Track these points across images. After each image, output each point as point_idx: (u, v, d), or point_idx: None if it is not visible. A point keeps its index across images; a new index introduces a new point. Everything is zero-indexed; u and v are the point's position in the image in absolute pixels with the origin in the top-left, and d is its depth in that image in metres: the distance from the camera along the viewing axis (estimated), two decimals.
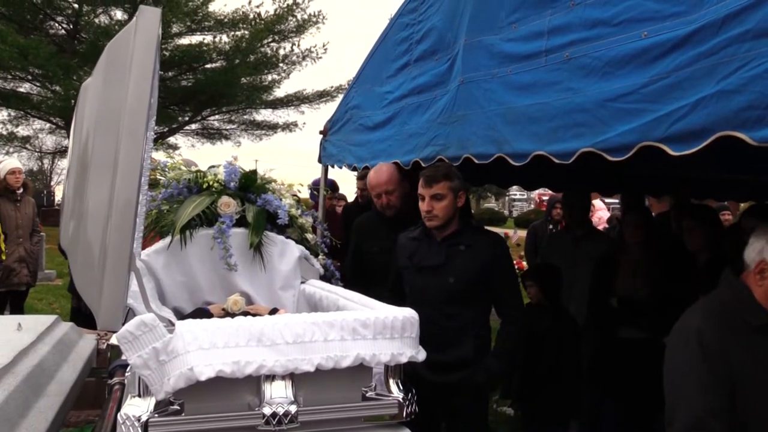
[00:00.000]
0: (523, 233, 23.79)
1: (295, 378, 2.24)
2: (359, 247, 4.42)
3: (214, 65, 23.90)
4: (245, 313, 3.06)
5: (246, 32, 23.44)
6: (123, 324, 2.09)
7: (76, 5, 21.93)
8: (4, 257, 6.26)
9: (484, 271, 3.36)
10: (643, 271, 4.53)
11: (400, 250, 3.60)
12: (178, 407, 2.11)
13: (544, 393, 4.23)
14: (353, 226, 4.58)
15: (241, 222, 3.72)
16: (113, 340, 2.25)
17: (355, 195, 6.68)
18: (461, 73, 3.38)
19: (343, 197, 8.64)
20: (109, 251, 2.03)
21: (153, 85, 2.12)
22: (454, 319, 3.37)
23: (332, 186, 6.79)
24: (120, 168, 2.02)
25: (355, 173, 5.77)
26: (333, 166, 5.44)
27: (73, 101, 18.32)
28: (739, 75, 1.82)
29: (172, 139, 26.96)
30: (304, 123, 27.20)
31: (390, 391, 2.42)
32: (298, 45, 24.73)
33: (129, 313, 2.63)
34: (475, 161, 3.21)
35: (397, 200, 4.18)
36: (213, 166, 4.03)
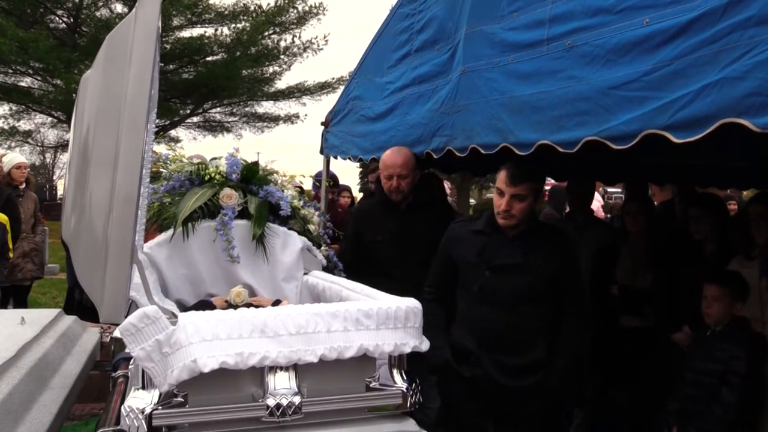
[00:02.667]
0: None
1: (298, 369, 2.24)
2: (360, 235, 4.28)
3: (215, 58, 23.84)
4: (248, 305, 3.06)
5: (247, 24, 23.36)
6: (126, 316, 2.09)
7: None
8: (11, 255, 6.27)
9: (557, 269, 3.22)
10: (645, 260, 4.53)
11: (461, 244, 3.35)
12: (182, 399, 2.11)
13: None
14: (353, 213, 4.51)
15: (243, 214, 3.72)
16: (116, 333, 2.25)
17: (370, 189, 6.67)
18: (462, 62, 3.37)
19: (347, 188, 8.64)
20: (111, 244, 2.03)
21: (153, 76, 2.11)
22: (528, 320, 3.19)
23: (332, 179, 6.79)
24: (121, 160, 2.02)
25: (358, 164, 5.76)
26: (336, 158, 5.43)
27: (74, 95, 18.28)
28: (743, 62, 1.82)
29: (173, 132, 26.96)
30: (306, 115, 27.14)
31: (394, 382, 2.41)
32: (299, 37, 24.67)
33: (132, 306, 2.62)
34: (482, 151, 3.20)
35: (407, 186, 4.04)
36: (215, 158, 4.02)
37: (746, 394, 3.36)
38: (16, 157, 7.38)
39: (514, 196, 3.11)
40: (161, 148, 4.31)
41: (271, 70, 25.53)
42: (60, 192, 36.63)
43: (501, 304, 3.15)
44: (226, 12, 23.37)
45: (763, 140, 2.13)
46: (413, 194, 4.12)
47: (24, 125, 25.68)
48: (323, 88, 25.77)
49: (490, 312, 3.17)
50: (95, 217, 2.17)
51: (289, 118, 27.19)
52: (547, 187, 8.27)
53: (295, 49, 24.84)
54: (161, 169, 3.91)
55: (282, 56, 24.92)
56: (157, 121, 2.83)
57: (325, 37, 24.91)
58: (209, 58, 23.87)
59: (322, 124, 5.63)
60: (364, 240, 4.23)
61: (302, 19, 24.31)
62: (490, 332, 3.19)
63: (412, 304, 2.42)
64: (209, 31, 23.51)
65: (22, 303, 7.15)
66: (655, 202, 6.35)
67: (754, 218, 3.66)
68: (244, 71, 23.90)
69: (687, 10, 2.04)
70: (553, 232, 3.47)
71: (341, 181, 8.22)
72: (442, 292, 3.44)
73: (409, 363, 2.50)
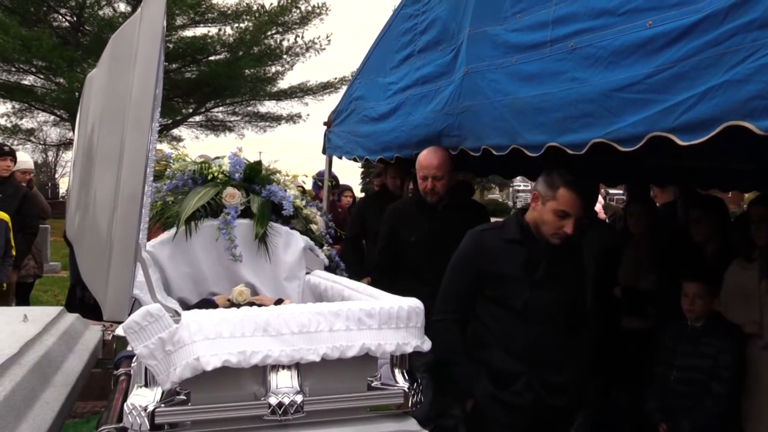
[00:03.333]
0: None
1: (300, 368, 2.25)
2: (396, 235, 4.11)
3: (217, 57, 23.85)
4: (250, 304, 3.06)
5: (250, 24, 23.38)
6: (129, 314, 2.10)
7: None
8: (14, 252, 6.30)
9: (582, 277, 3.16)
10: (647, 262, 4.54)
11: (495, 255, 3.05)
12: (185, 397, 2.12)
13: None
14: (388, 212, 4.23)
15: (246, 213, 3.72)
16: (119, 331, 2.26)
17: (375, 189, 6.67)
18: (466, 63, 3.38)
19: (349, 188, 8.65)
20: (115, 242, 2.04)
21: (158, 76, 2.12)
22: (571, 335, 3.07)
23: (333, 179, 6.80)
24: (125, 159, 2.02)
25: (360, 164, 5.77)
26: (341, 158, 5.44)
27: (77, 93, 18.32)
28: (746, 65, 1.83)
29: (176, 131, 27.00)
30: (308, 114, 27.16)
31: (396, 381, 2.42)
32: (302, 36, 24.68)
33: (135, 304, 2.63)
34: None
35: (442, 188, 3.88)
36: (218, 158, 4.03)
37: (735, 384, 3.49)
38: (26, 162, 7.45)
39: (578, 220, 2.95)
40: (164, 147, 4.31)
41: (273, 69, 25.55)
42: (62, 190, 36.68)
43: (546, 320, 2.98)
44: (229, 11, 23.39)
45: (765, 143, 2.14)
46: (450, 196, 3.99)
47: (26, 123, 25.73)
48: (325, 88, 25.78)
49: (536, 329, 2.97)
50: (99, 216, 2.18)
51: (292, 118, 27.21)
52: None
53: (298, 49, 24.86)
54: (167, 168, 3.92)
55: (284, 56, 24.93)
56: (160, 120, 2.84)
57: (327, 37, 24.94)
58: (212, 58, 23.87)
59: (325, 124, 5.64)
60: (399, 241, 4.09)
61: (305, 19, 24.31)
62: (538, 351, 2.98)
63: (414, 303, 2.42)
64: (212, 30, 23.53)
65: (24, 301, 7.17)
66: (657, 204, 6.36)
67: (754, 220, 3.67)
68: (246, 71, 23.92)
69: (690, 12, 2.05)
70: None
71: (342, 182, 8.24)
72: (463, 312, 3.14)
73: (410, 362, 2.51)
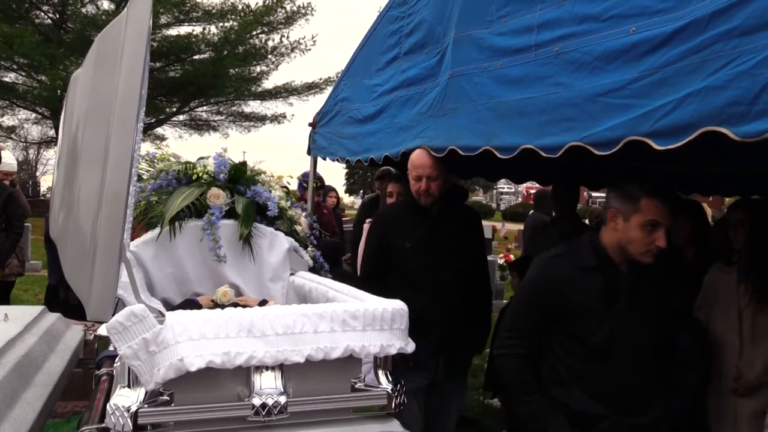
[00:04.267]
0: (510, 226, 23.93)
1: (284, 369, 2.25)
2: (386, 240, 3.86)
3: (202, 56, 23.82)
4: (234, 305, 3.06)
5: (235, 23, 23.38)
6: (113, 315, 2.10)
7: None
8: None
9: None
10: None
11: (572, 287, 2.71)
12: (168, 398, 2.12)
13: None
14: (377, 217, 4.07)
15: (230, 213, 3.72)
16: (101, 331, 2.25)
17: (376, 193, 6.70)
18: (451, 66, 3.39)
19: (333, 189, 8.67)
20: (99, 242, 2.03)
21: (144, 75, 2.12)
22: (658, 370, 2.74)
23: (318, 180, 6.81)
24: (110, 159, 2.02)
25: (344, 165, 5.78)
26: (324, 159, 5.45)
27: (59, 91, 18.24)
28: (726, 71, 1.85)
29: (159, 130, 26.93)
30: (293, 115, 27.20)
31: (379, 383, 2.43)
32: (287, 37, 24.74)
33: (118, 304, 2.63)
34: (461, 153, 3.23)
35: (437, 190, 3.66)
36: (202, 158, 4.02)
37: (705, 379, 3.46)
38: (10, 164, 7.42)
39: (668, 229, 2.65)
40: (147, 146, 4.29)
41: (258, 69, 25.57)
42: (44, 188, 36.37)
43: (633, 355, 2.67)
44: (214, 11, 23.38)
45: (744, 148, 2.17)
46: (444, 199, 3.78)
47: (8, 121, 25.60)
48: (311, 88, 25.83)
49: (620, 367, 2.66)
50: (84, 215, 2.17)
51: (276, 118, 27.24)
52: (533, 191, 8.33)
53: (283, 49, 24.92)
54: (148, 169, 3.90)
55: (269, 56, 24.95)
56: (144, 118, 2.82)
57: (313, 37, 25.00)
58: (196, 57, 23.85)
59: (310, 125, 5.64)
60: (391, 246, 3.82)
61: (290, 19, 24.36)
62: (623, 392, 2.66)
63: (398, 305, 2.43)
64: (197, 29, 23.54)
65: (4, 300, 7.12)
66: None
67: (733, 224, 3.71)
68: (231, 70, 23.91)
69: (673, 19, 2.08)
70: None
71: (327, 182, 8.26)
72: (531, 347, 2.82)
73: (394, 365, 2.52)
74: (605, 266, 2.70)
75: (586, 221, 7.34)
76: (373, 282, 3.59)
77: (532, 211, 8.22)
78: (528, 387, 2.79)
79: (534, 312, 2.82)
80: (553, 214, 6.22)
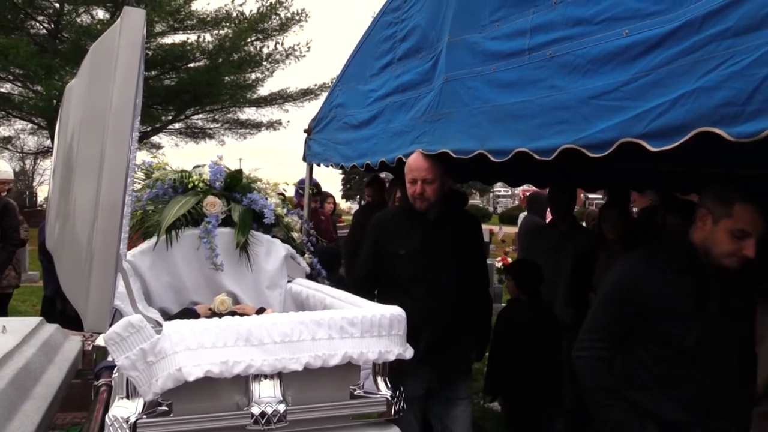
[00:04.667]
0: (507, 229, 23.95)
1: (283, 377, 2.25)
2: (381, 247, 3.72)
3: (197, 64, 23.84)
4: (232, 313, 3.07)
5: (229, 31, 23.40)
6: (110, 325, 2.09)
7: (57, 5, 21.82)
8: None
9: None
10: None
11: (657, 286, 2.61)
12: (167, 408, 2.11)
13: (527, 388, 4.26)
14: (373, 222, 3.90)
15: (227, 222, 3.72)
16: (99, 342, 2.25)
17: (367, 200, 6.70)
18: (445, 71, 3.39)
19: (330, 195, 8.68)
20: (95, 252, 2.03)
21: (138, 85, 2.12)
22: (742, 375, 2.65)
23: (315, 186, 6.81)
24: (106, 169, 2.02)
25: (340, 171, 5.78)
26: (319, 165, 5.45)
27: (55, 101, 18.23)
28: (719, 72, 1.85)
29: (155, 139, 26.92)
30: (288, 121, 27.23)
31: (378, 389, 2.43)
32: (282, 43, 24.76)
33: (116, 315, 2.62)
34: (453, 156, 3.23)
35: (433, 194, 3.53)
36: (198, 166, 4.02)
37: None
38: (7, 172, 7.40)
39: (759, 239, 2.53)
40: (143, 155, 4.28)
41: (253, 76, 25.61)
42: (40, 199, 36.33)
43: (722, 361, 2.57)
44: (209, 18, 23.41)
45: (739, 148, 2.17)
46: (442, 204, 3.65)
47: (4, 131, 25.56)
48: (305, 94, 25.86)
49: (709, 373, 2.56)
50: (79, 226, 2.17)
51: (272, 125, 27.25)
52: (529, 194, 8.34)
53: (278, 56, 24.94)
54: (144, 178, 3.90)
55: (264, 63, 24.98)
56: (140, 127, 2.82)
57: (307, 44, 25.07)
58: (191, 65, 23.87)
59: (305, 131, 5.64)
60: (385, 253, 3.69)
61: (285, 26, 24.39)
62: (711, 399, 2.57)
63: (396, 311, 2.43)
64: (191, 37, 23.56)
65: (2, 311, 7.10)
66: (636, 209, 6.41)
67: None
68: (226, 77, 23.93)
69: (666, 21, 2.08)
70: None
71: (324, 188, 8.26)
72: (613, 349, 2.73)
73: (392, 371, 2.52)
74: (695, 267, 2.60)
75: (583, 223, 7.33)
76: (365, 286, 3.61)
77: (524, 214, 8.22)
78: (611, 391, 2.70)
79: (618, 313, 2.72)
80: (548, 216, 6.21)
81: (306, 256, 4.02)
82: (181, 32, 23.81)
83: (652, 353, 2.64)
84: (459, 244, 3.64)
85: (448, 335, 3.61)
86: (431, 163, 3.50)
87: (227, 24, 23.56)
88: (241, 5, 23.55)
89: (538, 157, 2.63)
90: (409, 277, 3.58)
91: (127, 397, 2.14)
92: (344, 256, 6.35)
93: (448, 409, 3.70)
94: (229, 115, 27.24)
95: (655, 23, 2.12)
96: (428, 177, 3.50)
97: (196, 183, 3.78)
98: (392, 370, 2.53)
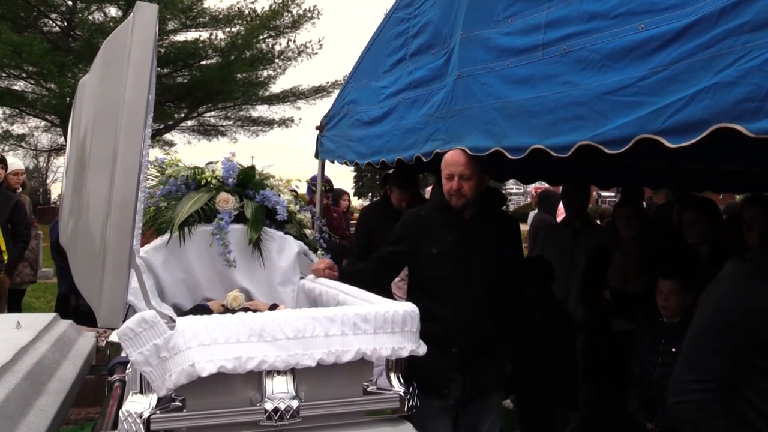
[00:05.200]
0: (521, 227, 23.83)
1: (296, 373, 2.25)
2: (412, 246, 3.50)
3: (209, 61, 23.89)
4: (245, 309, 3.07)
5: (242, 28, 23.42)
6: (123, 321, 2.10)
7: (70, 2, 21.92)
8: (6, 257, 6.29)
9: None
10: (636, 264, 4.55)
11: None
12: (180, 403, 2.12)
13: (539, 386, 4.25)
14: (405, 218, 3.68)
15: (239, 218, 3.73)
16: (113, 338, 2.25)
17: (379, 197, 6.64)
18: (458, 67, 3.38)
19: (345, 192, 8.66)
20: (108, 248, 2.03)
21: (151, 81, 2.12)
22: None
23: (327, 183, 6.81)
24: (119, 165, 2.02)
25: (353, 168, 5.78)
26: (332, 162, 5.44)
27: (68, 99, 18.30)
28: (737, 67, 1.83)
29: (168, 136, 26.98)
30: (300, 119, 27.21)
31: (391, 385, 2.42)
32: (294, 41, 24.76)
33: (129, 310, 2.63)
34: (469, 153, 3.22)
35: (470, 191, 3.34)
36: (211, 163, 4.03)
37: None
38: (14, 163, 7.42)
39: None
40: (156, 152, 4.29)
41: (265, 73, 25.61)
42: (54, 196, 36.54)
43: None
44: (221, 16, 23.44)
45: (757, 144, 2.15)
46: (479, 204, 3.47)
47: (17, 129, 25.69)
48: (318, 92, 25.84)
49: None
50: (93, 222, 2.17)
51: (284, 122, 27.25)
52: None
53: (290, 53, 24.93)
54: (157, 174, 3.91)
55: (276, 60, 24.99)
56: (152, 124, 2.81)
57: (319, 41, 25.04)
58: (204, 62, 23.91)
59: (317, 128, 5.64)
60: (416, 252, 3.49)
61: (297, 23, 24.39)
62: None
63: (409, 308, 2.42)
64: (204, 34, 23.58)
65: (16, 307, 7.14)
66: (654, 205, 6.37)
67: (746, 221, 3.68)
68: (238, 75, 23.96)
69: (682, 15, 2.06)
70: None
71: (336, 185, 8.25)
72: (723, 386, 2.22)
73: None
74: None
75: (597, 221, 7.30)
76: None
77: (535, 212, 8.19)
78: None
79: (724, 346, 2.22)
80: (559, 214, 6.18)
81: (318, 252, 4.02)
82: (193, 30, 23.87)
83: (762, 392, 2.20)
84: (495, 247, 3.45)
85: (482, 342, 3.42)
86: (470, 159, 3.32)
87: (239, 21, 23.59)
88: (253, 2, 23.60)
89: (555, 154, 2.61)
90: (439, 279, 3.40)
91: (141, 392, 2.14)
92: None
93: (476, 425, 3.55)
94: (241, 113, 27.29)
95: (672, 18, 2.10)
96: (466, 173, 3.33)
97: (209, 179, 3.78)
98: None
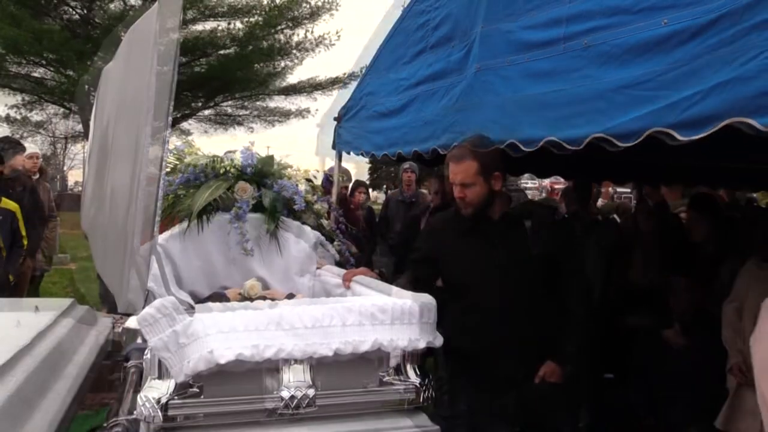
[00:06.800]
0: None
1: (313, 362, 2.26)
2: (436, 251, 3.31)
3: (227, 51, 23.90)
4: (262, 298, 3.08)
5: (260, 18, 23.41)
6: (143, 307, 2.12)
7: None
8: (26, 242, 6.33)
9: None
10: (652, 260, 4.54)
11: None
12: (198, 390, 2.14)
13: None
14: (426, 228, 3.49)
15: (257, 207, 3.74)
16: (129, 324, 2.28)
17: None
18: (478, 60, 3.37)
19: (363, 183, 8.64)
20: (132, 235, 2.05)
21: (174, 70, 2.14)
22: None
23: (345, 174, 6.81)
24: (143, 152, 2.04)
25: (367, 159, 5.77)
26: (349, 153, 5.44)
27: (86, 86, 18.38)
28: (757, 62, 1.82)
29: (185, 125, 27.06)
30: (317, 109, 27.20)
31: (407, 376, 2.43)
32: (312, 31, 24.72)
33: (148, 297, 2.65)
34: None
35: (476, 197, 3.09)
36: (230, 152, 4.04)
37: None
38: (32, 147, 7.47)
39: None
40: (174, 141, 4.30)
41: (283, 64, 25.59)
42: (71, 183, 36.75)
43: None
44: (239, 6, 23.43)
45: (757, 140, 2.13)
46: (491, 207, 3.19)
47: (36, 116, 25.85)
48: (335, 83, 25.79)
49: None
50: (116, 208, 2.19)
51: (301, 113, 27.26)
52: (558, 186, 8.26)
53: (308, 44, 24.88)
54: (176, 162, 3.93)
55: (294, 51, 24.97)
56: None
57: (337, 32, 24.96)
58: (222, 52, 23.92)
59: (335, 119, 5.63)
60: (435, 259, 3.29)
61: (315, 14, 24.33)
62: None
63: (426, 300, 2.43)
64: (222, 24, 23.57)
65: (33, 293, 7.19)
66: (669, 202, 6.34)
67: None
68: (256, 65, 23.98)
69: (706, 11, 2.04)
70: None
71: (353, 176, 8.24)
72: None
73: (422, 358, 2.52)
74: None
75: (615, 216, 7.25)
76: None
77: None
78: None
79: None
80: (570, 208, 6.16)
81: (335, 243, 4.03)
82: (211, 19, 23.85)
83: None
84: (511, 254, 3.13)
85: (530, 360, 3.12)
86: (468, 164, 3.10)
87: (257, 12, 23.58)
88: None
89: (568, 147, 2.60)
90: (457, 285, 3.19)
91: (159, 377, 2.17)
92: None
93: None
94: (258, 103, 27.32)
95: (695, 13, 2.09)
96: (466, 180, 3.09)
97: (228, 168, 3.80)
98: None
